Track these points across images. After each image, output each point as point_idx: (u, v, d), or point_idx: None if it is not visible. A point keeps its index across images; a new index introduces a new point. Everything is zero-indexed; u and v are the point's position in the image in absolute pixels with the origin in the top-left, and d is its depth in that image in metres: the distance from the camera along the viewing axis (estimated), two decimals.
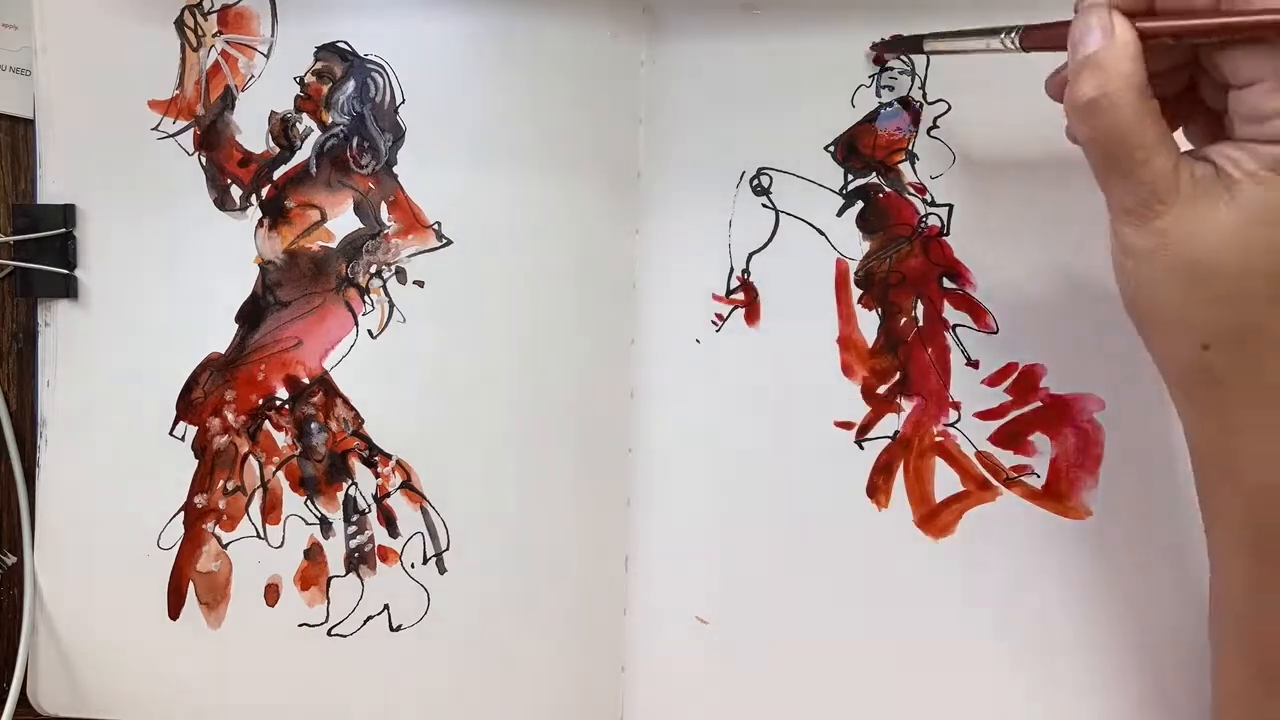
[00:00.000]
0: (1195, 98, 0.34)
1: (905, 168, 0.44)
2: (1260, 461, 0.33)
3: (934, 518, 0.44)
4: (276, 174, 0.45)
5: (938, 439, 0.44)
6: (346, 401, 0.45)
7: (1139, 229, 0.31)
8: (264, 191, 0.45)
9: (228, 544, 0.46)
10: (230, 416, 0.45)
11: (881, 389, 0.44)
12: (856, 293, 0.44)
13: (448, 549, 0.45)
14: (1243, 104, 0.30)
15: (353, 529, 0.45)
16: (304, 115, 0.45)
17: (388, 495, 0.45)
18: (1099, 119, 0.31)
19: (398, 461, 0.45)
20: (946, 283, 0.44)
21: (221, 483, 0.46)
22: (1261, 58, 0.29)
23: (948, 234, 0.44)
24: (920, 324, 0.44)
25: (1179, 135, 0.34)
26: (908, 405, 0.44)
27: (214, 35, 0.45)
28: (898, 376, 0.44)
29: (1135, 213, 0.31)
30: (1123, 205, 0.32)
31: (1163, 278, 0.32)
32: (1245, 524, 0.34)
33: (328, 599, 0.45)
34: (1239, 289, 0.31)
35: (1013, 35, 0.36)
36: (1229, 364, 0.32)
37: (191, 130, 0.45)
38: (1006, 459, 0.44)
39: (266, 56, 0.45)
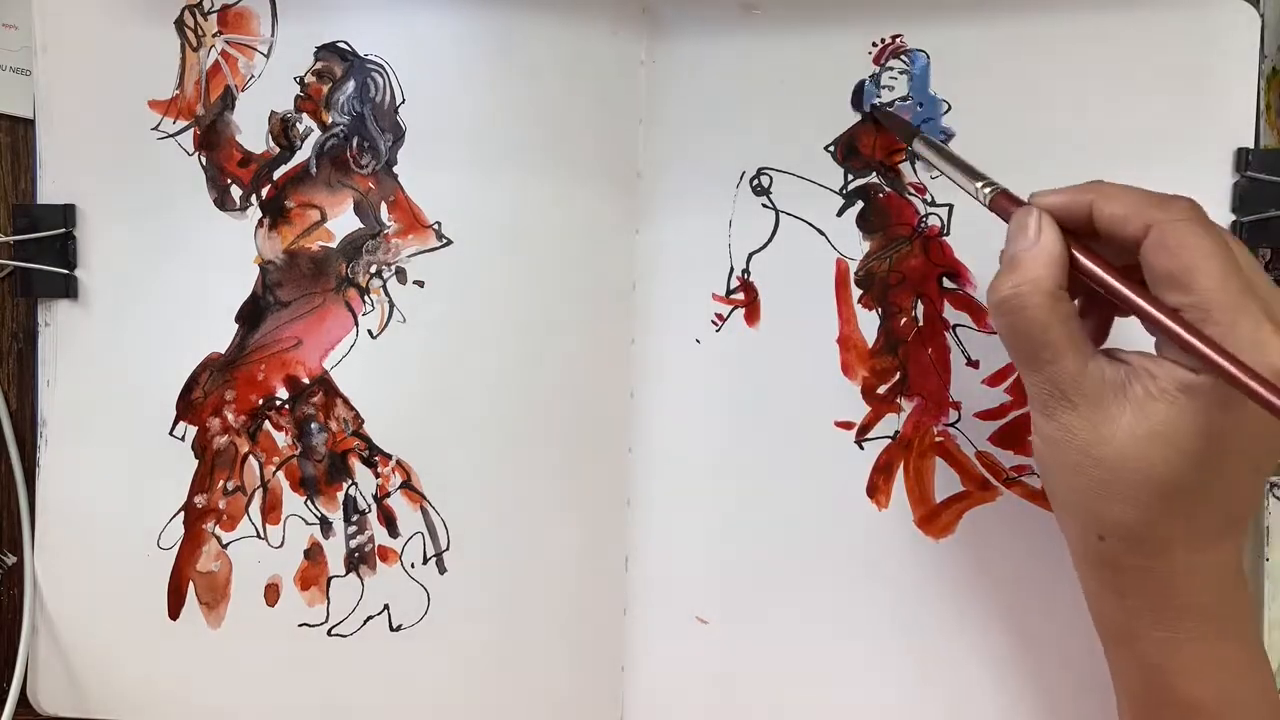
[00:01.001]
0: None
1: (905, 168, 0.44)
2: (1155, 644, 0.34)
3: (934, 518, 0.44)
4: (276, 174, 0.45)
5: (938, 439, 0.44)
6: (346, 401, 0.45)
7: (1047, 420, 0.33)
8: (264, 191, 0.45)
9: (228, 544, 0.46)
10: (230, 416, 0.45)
11: (881, 389, 0.44)
12: (856, 293, 0.44)
13: (448, 549, 0.45)
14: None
15: (353, 529, 0.45)
16: (304, 115, 0.45)
17: (388, 495, 0.45)
18: (1009, 316, 0.32)
19: (398, 461, 0.45)
20: (946, 283, 0.44)
21: (221, 483, 0.46)
22: (1183, 293, 0.30)
23: (948, 234, 0.44)
24: (920, 324, 0.44)
25: None
26: (908, 405, 0.44)
27: (214, 35, 0.45)
28: (898, 376, 0.44)
29: (1044, 405, 0.33)
30: (1033, 395, 0.33)
31: (1067, 467, 0.33)
32: (1143, 687, 0.35)
33: (328, 599, 0.45)
34: (1135, 492, 0.31)
35: (986, 191, 0.36)
36: (1123, 555, 0.33)
37: (191, 130, 0.45)
38: (1006, 459, 0.44)
39: (266, 56, 0.45)
